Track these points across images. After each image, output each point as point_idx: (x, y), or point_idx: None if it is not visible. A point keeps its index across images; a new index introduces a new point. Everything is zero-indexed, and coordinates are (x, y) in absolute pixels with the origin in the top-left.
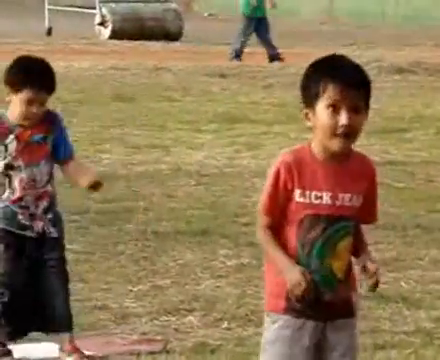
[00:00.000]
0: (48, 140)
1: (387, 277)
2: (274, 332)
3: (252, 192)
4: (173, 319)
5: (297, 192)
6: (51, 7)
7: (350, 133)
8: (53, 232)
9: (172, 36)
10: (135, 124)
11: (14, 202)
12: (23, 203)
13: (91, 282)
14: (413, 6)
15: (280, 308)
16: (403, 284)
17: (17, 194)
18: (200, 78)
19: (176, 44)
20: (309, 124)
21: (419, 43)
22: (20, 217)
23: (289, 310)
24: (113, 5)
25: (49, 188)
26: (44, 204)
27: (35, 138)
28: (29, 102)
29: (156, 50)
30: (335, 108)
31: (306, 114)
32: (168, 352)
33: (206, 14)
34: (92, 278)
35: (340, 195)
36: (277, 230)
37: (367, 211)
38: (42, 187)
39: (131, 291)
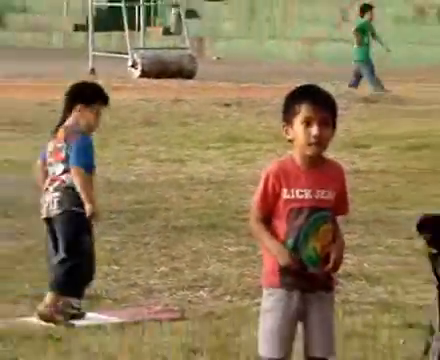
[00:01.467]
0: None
1: (353, 260)
2: (271, 303)
3: (248, 195)
4: (188, 293)
5: (284, 191)
6: (94, 53)
7: (320, 142)
8: None
9: (188, 75)
10: (159, 143)
11: None
12: None
13: (125, 266)
14: (375, 52)
15: (275, 283)
16: (366, 265)
17: None
18: (209, 107)
19: (191, 81)
20: (289, 137)
21: (382, 78)
22: None
23: (282, 285)
24: (142, 51)
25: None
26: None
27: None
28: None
29: (176, 86)
30: (308, 123)
31: (286, 130)
32: (184, 319)
33: (214, 58)
34: (125, 262)
35: (318, 191)
36: (267, 223)
37: (340, 205)
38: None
39: (155, 272)
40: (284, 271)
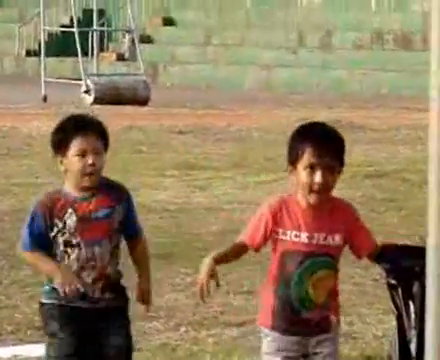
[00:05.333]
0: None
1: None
2: (268, 344)
3: (204, 223)
4: (142, 324)
5: (280, 231)
6: (47, 79)
7: (324, 190)
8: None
9: (142, 102)
10: (113, 171)
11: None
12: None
13: None
14: (332, 78)
15: (268, 325)
16: None
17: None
18: (164, 134)
19: (145, 108)
20: (293, 179)
21: (339, 106)
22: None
23: (275, 327)
24: (95, 77)
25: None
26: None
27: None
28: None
29: (130, 113)
30: (312, 168)
31: (290, 171)
32: (139, 351)
33: (168, 84)
34: None
35: (316, 235)
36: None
37: (356, 246)
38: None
39: None
40: (277, 314)
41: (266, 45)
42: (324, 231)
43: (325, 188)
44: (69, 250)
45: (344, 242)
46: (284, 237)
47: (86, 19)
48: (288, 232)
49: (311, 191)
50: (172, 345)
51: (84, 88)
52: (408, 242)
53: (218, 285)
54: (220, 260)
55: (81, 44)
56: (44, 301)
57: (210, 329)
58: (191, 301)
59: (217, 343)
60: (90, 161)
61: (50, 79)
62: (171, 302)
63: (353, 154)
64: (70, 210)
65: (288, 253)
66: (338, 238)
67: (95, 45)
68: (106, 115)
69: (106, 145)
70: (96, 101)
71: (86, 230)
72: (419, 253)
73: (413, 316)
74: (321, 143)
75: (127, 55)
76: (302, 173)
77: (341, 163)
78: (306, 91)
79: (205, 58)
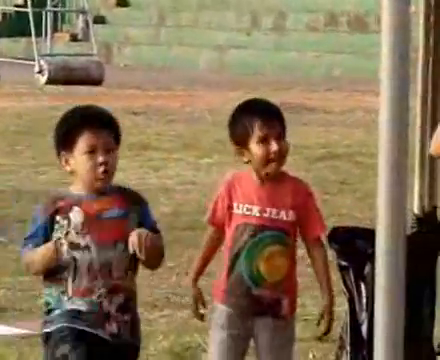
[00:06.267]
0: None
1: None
2: (215, 319)
3: (158, 204)
4: None
5: (234, 205)
6: (0, 59)
7: (280, 157)
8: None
9: (95, 82)
10: None
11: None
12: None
13: (31, 276)
14: (286, 60)
15: (219, 299)
16: None
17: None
18: (117, 115)
19: (98, 88)
20: (245, 159)
21: (291, 88)
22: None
23: (225, 302)
24: (49, 58)
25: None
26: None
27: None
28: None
29: (83, 93)
30: (266, 140)
31: (239, 151)
32: None
33: (122, 65)
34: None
35: (268, 209)
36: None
37: (309, 225)
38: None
39: None
40: (228, 288)
41: (219, 27)
42: (277, 206)
43: (281, 155)
44: (76, 254)
45: (298, 219)
46: (237, 211)
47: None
48: (240, 205)
49: (268, 162)
50: None
51: (37, 68)
52: (360, 224)
53: (204, 306)
54: (200, 272)
55: (35, 24)
56: (51, 329)
57: (163, 310)
58: (144, 282)
59: (169, 323)
60: (101, 159)
61: (3, 59)
62: None
63: (306, 136)
64: (76, 208)
65: (240, 227)
66: (292, 214)
67: (49, 25)
68: (59, 95)
69: (118, 140)
70: (49, 81)
71: (97, 230)
72: (370, 235)
73: (364, 299)
74: (269, 114)
75: (81, 36)
76: (255, 147)
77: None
78: (259, 73)
79: (158, 39)
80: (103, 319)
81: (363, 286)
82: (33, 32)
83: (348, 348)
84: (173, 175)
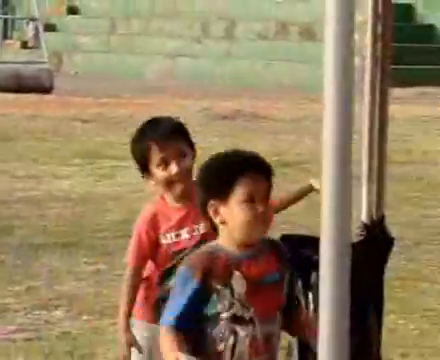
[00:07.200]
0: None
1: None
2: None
3: (107, 213)
4: (43, 313)
5: (161, 237)
6: None
7: (182, 176)
8: None
9: (46, 90)
10: (15, 159)
11: None
12: None
13: None
14: (236, 68)
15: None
16: None
17: None
18: (67, 123)
19: (49, 96)
20: (150, 182)
21: (242, 96)
22: None
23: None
24: (0, 65)
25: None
26: None
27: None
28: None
29: (33, 101)
30: (165, 163)
31: (145, 175)
32: (40, 339)
33: (72, 73)
34: None
35: (195, 227)
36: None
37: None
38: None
39: (10, 291)
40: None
41: (170, 34)
42: (200, 221)
43: (183, 174)
44: (238, 328)
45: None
46: (165, 240)
47: None
48: (168, 235)
49: (171, 183)
50: (73, 334)
51: None
52: (310, 233)
53: (141, 352)
54: (131, 308)
55: None
56: None
57: (112, 318)
58: (92, 290)
59: (118, 331)
60: (260, 209)
61: None
62: (73, 291)
63: (255, 143)
64: (237, 272)
65: (172, 253)
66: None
67: None
68: (9, 103)
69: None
70: (0, 89)
71: (259, 300)
72: (317, 243)
73: (312, 306)
74: (167, 135)
75: (31, 43)
76: (157, 172)
77: (192, 148)
78: (210, 81)
79: (109, 47)
80: None
81: (310, 293)
82: None
83: (296, 354)
84: (123, 183)
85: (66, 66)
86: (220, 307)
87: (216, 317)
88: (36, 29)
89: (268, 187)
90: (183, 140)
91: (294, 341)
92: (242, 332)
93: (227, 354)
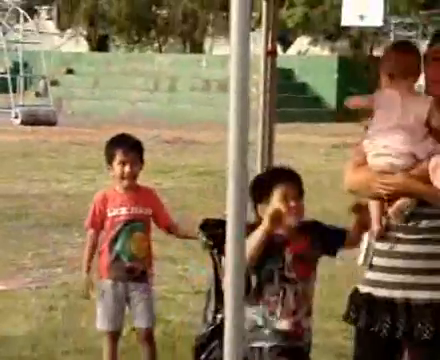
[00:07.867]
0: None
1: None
2: (100, 293)
3: (90, 203)
4: (50, 270)
5: (108, 211)
6: None
7: (130, 177)
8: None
9: (52, 124)
10: (31, 168)
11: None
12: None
13: (4, 249)
14: (177, 109)
15: (103, 276)
16: (170, 252)
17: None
18: (66, 145)
19: (54, 128)
20: (112, 175)
21: (180, 127)
22: None
23: (109, 277)
24: (21, 107)
25: None
26: None
27: None
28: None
29: (44, 131)
30: (123, 164)
31: (109, 169)
32: (46, 288)
33: (70, 112)
34: (6, 247)
35: (132, 208)
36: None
37: (160, 218)
38: None
39: (27, 255)
40: (110, 266)
41: (134, 87)
42: (137, 205)
43: (132, 174)
44: (286, 285)
45: (153, 214)
46: (111, 214)
47: (15, 68)
48: (113, 209)
49: (123, 179)
50: (69, 284)
51: (13, 115)
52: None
53: (93, 290)
54: (90, 259)
55: (12, 85)
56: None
57: (94, 272)
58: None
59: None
60: (292, 204)
61: None
62: (69, 255)
63: (187, 159)
64: (287, 248)
65: (115, 223)
66: (147, 210)
67: (21, 86)
68: (28, 132)
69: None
70: (22, 123)
71: (299, 267)
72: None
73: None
74: (129, 147)
75: (42, 93)
76: (116, 168)
77: (142, 161)
78: (159, 118)
79: (94, 96)
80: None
81: (223, 258)
82: (11, 90)
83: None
84: (100, 185)
85: (65, 108)
86: (275, 266)
87: (271, 274)
88: (45, 84)
89: (298, 190)
90: (138, 153)
91: (212, 289)
92: (289, 288)
93: (278, 302)
